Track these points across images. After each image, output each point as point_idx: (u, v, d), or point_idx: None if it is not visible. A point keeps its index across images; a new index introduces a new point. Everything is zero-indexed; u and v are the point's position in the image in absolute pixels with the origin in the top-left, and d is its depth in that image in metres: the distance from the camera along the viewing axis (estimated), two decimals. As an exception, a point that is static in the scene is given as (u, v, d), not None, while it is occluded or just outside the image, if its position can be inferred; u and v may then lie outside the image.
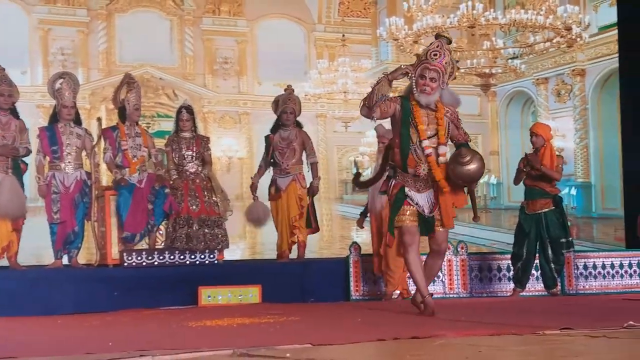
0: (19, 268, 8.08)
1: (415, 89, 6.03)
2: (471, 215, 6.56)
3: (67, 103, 8.17)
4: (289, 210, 8.97)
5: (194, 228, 8.37)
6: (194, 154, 8.62)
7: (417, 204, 6.11)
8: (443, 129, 6.03)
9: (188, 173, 8.54)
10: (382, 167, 6.59)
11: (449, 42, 6.35)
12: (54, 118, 8.25)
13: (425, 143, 5.96)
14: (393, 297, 8.28)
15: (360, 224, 8.86)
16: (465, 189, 6.36)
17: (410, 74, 6.04)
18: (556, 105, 12.30)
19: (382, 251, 8.44)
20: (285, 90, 9.25)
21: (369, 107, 5.95)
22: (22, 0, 10.36)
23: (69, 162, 8.17)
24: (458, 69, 6.61)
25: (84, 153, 8.39)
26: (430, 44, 6.27)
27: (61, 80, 8.23)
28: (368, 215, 8.66)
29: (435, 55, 5.99)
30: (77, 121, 8.35)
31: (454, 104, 6.26)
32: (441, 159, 6.00)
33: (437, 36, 6.43)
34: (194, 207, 8.40)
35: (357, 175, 7.18)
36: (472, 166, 5.89)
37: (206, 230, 8.42)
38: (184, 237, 8.30)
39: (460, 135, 6.26)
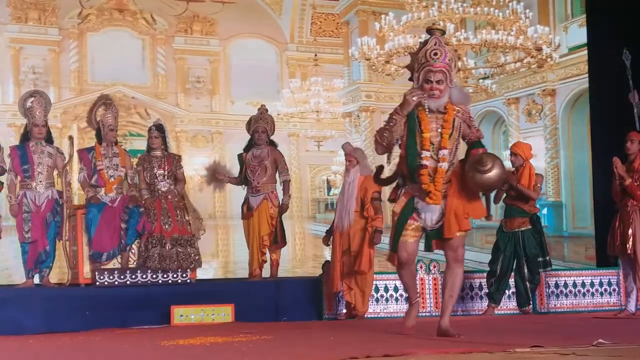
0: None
1: (407, 103, 5.70)
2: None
3: (38, 122, 8.16)
4: (260, 229, 8.96)
5: (167, 247, 8.34)
6: (166, 173, 8.60)
7: (423, 218, 5.78)
8: (447, 131, 5.69)
9: (160, 192, 8.52)
10: (393, 177, 6.20)
11: (443, 33, 6.02)
12: (25, 137, 8.24)
13: (424, 154, 5.65)
14: (351, 318, 8.33)
15: (325, 242, 8.84)
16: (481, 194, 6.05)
17: (418, 96, 5.66)
18: (527, 124, 12.37)
19: (356, 268, 8.46)
20: (258, 109, 9.31)
21: (387, 147, 5.75)
22: (-7, 19, 10.26)
23: (40, 181, 8.16)
24: (459, 57, 6.28)
25: (55, 172, 8.37)
26: (425, 42, 5.81)
27: (32, 99, 8.23)
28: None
29: (435, 54, 5.63)
30: (49, 140, 8.34)
31: (463, 101, 5.92)
32: (441, 164, 5.65)
33: (429, 31, 5.96)
34: (167, 226, 8.38)
35: (380, 169, 6.52)
36: (493, 174, 5.53)
37: (179, 250, 8.40)
38: (157, 256, 8.26)
39: (473, 133, 5.93)
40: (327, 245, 8.86)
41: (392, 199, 6.00)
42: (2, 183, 8.16)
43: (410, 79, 5.93)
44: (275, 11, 11.77)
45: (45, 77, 10.55)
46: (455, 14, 12.11)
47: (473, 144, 5.87)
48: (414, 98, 5.55)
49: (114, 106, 8.58)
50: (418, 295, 6.25)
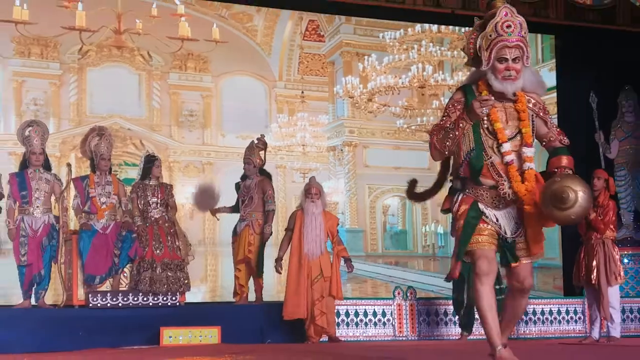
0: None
1: (493, 77, 4.33)
2: (420, 262, 6.31)
3: (36, 150, 8.18)
4: (242, 252, 8.98)
5: (157, 271, 8.32)
6: (159, 201, 8.61)
7: (496, 222, 4.47)
8: (527, 124, 4.35)
9: (153, 218, 8.52)
10: (441, 178, 5.06)
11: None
12: (24, 164, 8.27)
13: (506, 147, 4.30)
14: (320, 341, 8.32)
15: (278, 268, 8.86)
16: None
17: (489, 107, 4.31)
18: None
19: (333, 293, 8.48)
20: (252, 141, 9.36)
21: (440, 152, 4.45)
22: (-2, 54, 10.26)
23: (38, 206, 8.16)
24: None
25: (53, 197, 8.36)
26: (492, 14, 4.38)
27: (30, 128, 8.26)
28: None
29: (509, 27, 4.28)
30: (47, 167, 8.36)
31: (538, 88, 4.53)
32: (527, 164, 4.29)
33: (490, 4, 4.56)
34: (158, 251, 8.36)
35: (413, 183, 5.48)
36: (576, 209, 4.14)
37: (169, 274, 8.38)
38: (148, 279, 8.25)
39: (553, 133, 4.50)
40: (280, 272, 8.91)
41: (447, 209, 4.77)
42: (1, 208, 8.13)
43: (469, 65, 4.67)
44: (265, 51, 11.79)
45: (45, 108, 10.52)
46: (433, 56, 12.21)
47: (556, 151, 4.50)
48: (484, 110, 4.27)
49: (107, 136, 8.58)
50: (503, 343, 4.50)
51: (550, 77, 12.15)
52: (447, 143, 4.33)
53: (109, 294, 8.27)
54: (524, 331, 9.55)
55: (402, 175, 12.13)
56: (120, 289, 8.42)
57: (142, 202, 8.55)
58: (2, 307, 8.39)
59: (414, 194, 5.41)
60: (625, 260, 9.35)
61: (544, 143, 4.50)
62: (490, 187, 4.38)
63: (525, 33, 4.36)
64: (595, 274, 7.80)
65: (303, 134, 11.77)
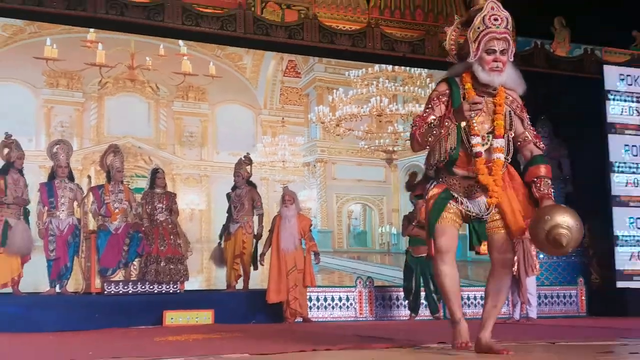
0: (20, 294, 7.97)
1: (480, 69, 3.71)
2: (377, 257, 6.20)
3: (61, 164, 8.26)
4: (234, 250, 9.08)
5: (162, 264, 8.35)
6: (164, 206, 8.68)
7: (467, 207, 3.82)
8: (501, 117, 3.75)
9: (158, 221, 8.56)
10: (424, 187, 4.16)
11: None
12: (52, 176, 8.37)
13: (476, 140, 3.72)
14: (295, 321, 8.33)
15: (261, 261, 8.94)
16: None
17: (478, 112, 3.68)
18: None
19: (307, 283, 8.54)
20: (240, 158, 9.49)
21: (421, 145, 3.78)
22: (31, 85, 10.28)
23: (63, 210, 8.24)
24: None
25: (75, 203, 8.42)
26: (478, 9, 3.79)
27: (57, 146, 8.39)
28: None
29: (496, 20, 3.70)
30: (71, 178, 8.46)
31: (517, 86, 3.87)
32: (497, 155, 3.73)
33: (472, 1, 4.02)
34: (162, 247, 8.40)
35: (413, 175, 4.70)
36: (571, 246, 3.52)
37: (171, 266, 8.41)
38: (154, 271, 8.29)
39: (529, 135, 3.85)
40: (263, 265, 8.97)
41: (419, 194, 4.25)
42: (29, 211, 8.15)
43: (450, 60, 4.01)
44: (252, 84, 11.82)
45: (70, 130, 10.51)
46: (389, 91, 12.30)
47: (534, 159, 3.83)
48: (472, 114, 3.62)
49: (120, 153, 8.68)
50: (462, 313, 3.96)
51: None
52: (429, 139, 3.68)
53: (121, 283, 8.30)
54: (463, 311, 9.58)
55: (363, 187, 12.26)
56: (130, 279, 8.42)
57: (150, 207, 8.60)
58: (32, 293, 8.30)
59: (411, 185, 4.81)
60: (541, 256, 9.39)
61: (518, 143, 3.85)
62: (463, 177, 3.78)
63: (510, 28, 3.78)
64: (516, 266, 7.84)
65: (283, 152, 11.83)
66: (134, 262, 8.48)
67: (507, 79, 3.78)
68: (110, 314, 7.73)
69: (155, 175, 8.79)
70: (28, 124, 10.28)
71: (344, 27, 11.68)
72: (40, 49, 10.41)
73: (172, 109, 11.21)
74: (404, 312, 9.39)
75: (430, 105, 3.80)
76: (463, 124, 3.69)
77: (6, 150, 8.04)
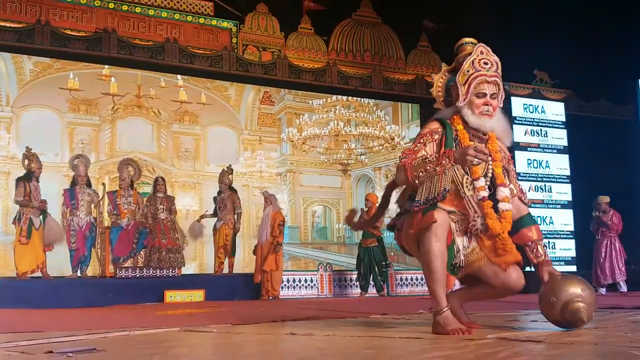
0: (48, 277, 7.94)
1: (470, 112, 2.90)
2: (335, 247, 6.18)
3: (81, 174, 8.25)
4: (218, 242, 9.13)
5: (163, 254, 8.36)
6: (165, 207, 8.67)
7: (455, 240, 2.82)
8: (499, 164, 2.91)
9: (160, 219, 8.55)
10: (381, 209, 3.39)
11: (474, 45, 3.03)
12: (73, 183, 8.30)
13: (481, 183, 2.84)
14: (269, 299, 8.36)
15: (255, 251, 8.90)
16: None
17: (483, 160, 2.75)
18: (385, 183, 12.58)
19: (266, 269, 8.54)
20: (223, 169, 9.56)
21: (407, 178, 2.76)
22: (57, 110, 10.25)
23: (82, 210, 8.22)
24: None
25: (92, 205, 8.41)
26: (463, 54, 3.00)
27: (77, 160, 8.40)
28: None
29: (486, 64, 2.90)
30: (88, 185, 8.42)
31: (505, 137, 3.00)
32: (503, 204, 2.84)
33: (460, 47, 3.07)
34: (164, 240, 8.40)
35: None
36: (588, 317, 2.64)
37: (170, 255, 8.41)
38: (156, 259, 8.29)
39: (515, 186, 3.01)
40: (254, 254, 8.95)
41: (392, 226, 3.06)
42: (47, 212, 8.03)
43: (438, 107, 3.15)
44: (235, 110, 11.86)
45: (89, 146, 10.45)
46: (344, 116, 12.40)
47: (524, 222, 2.95)
48: (475, 162, 2.70)
49: (134, 165, 8.75)
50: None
51: (416, 130, 12.48)
52: (420, 174, 2.73)
53: (130, 269, 8.29)
54: (399, 291, 9.69)
55: (324, 192, 12.34)
56: (138, 265, 8.41)
57: (153, 208, 8.59)
58: (58, 277, 8.25)
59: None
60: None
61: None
62: (448, 211, 2.81)
63: (500, 72, 2.97)
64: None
65: (260, 164, 11.89)
66: (141, 252, 8.51)
67: (498, 124, 2.95)
68: (121, 293, 7.72)
69: (157, 182, 8.82)
70: (55, 141, 10.22)
71: (308, 65, 11.79)
72: (65, 81, 10.37)
73: (171, 130, 11.20)
74: (356, 291, 9.47)
75: (421, 141, 2.92)
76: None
77: (27, 162, 7.95)
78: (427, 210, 2.73)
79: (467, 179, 2.84)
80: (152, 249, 8.35)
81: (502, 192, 2.86)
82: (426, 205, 2.76)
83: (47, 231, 7.83)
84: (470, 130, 2.91)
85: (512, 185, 2.96)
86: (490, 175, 2.89)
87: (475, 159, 2.67)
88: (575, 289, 2.64)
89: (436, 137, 2.90)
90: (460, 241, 2.84)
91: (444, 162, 2.72)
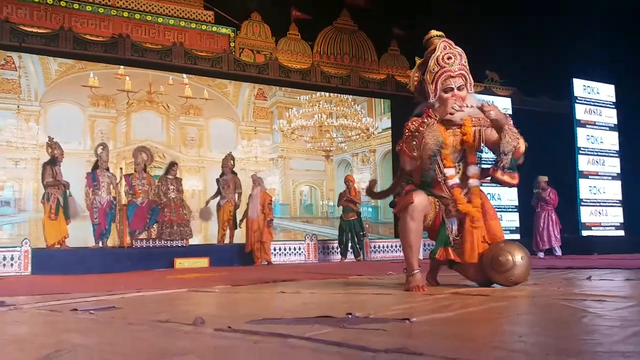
0: (67, 249, 7.85)
1: (442, 107, 2.77)
2: (319, 221, 6.15)
3: (104, 159, 8.17)
4: (223, 217, 9.09)
5: (174, 228, 8.34)
6: (174, 187, 8.63)
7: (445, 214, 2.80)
8: (471, 144, 2.79)
9: (171, 197, 8.53)
10: (397, 182, 3.24)
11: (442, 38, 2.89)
12: (95, 167, 8.22)
13: (449, 172, 2.78)
14: (263, 264, 8.41)
15: (239, 225, 8.95)
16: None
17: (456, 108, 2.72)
18: (362, 167, 12.59)
19: (264, 240, 8.57)
20: (226, 155, 9.52)
21: (407, 154, 2.74)
22: (80, 104, 10.12)
23: (103, 190, 8.14)
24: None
25: (111, 186, 8.35)
26: (430, 49, 2.84)
27: (100, 147, 8.26)
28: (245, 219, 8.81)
29: (449, 58, 2.76)
30: (107, 169, 8.32)
31: (477, 113, 2.73)
32: (472, 181, 2.79)
33: (428, 40, 2.89)
34: (174, 216, 8.37)
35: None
36: (516, 272, 2.58)
37: (180, 228, 8.40)
38: (168, 232, 8.25)
39: (512, 127, 2.66)
40: (239, 227, 9.00)
41: (394, 204, 2.93)
42: (70, 192, 7.97)
43: (417, 101, 2.94)
44: (234, 104, 11.77)
45: (107, 136, 10.34)
46: (326, 110, 12.37)
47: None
48: (456, 107, 2.69)
49: (146, 152, 8.66)
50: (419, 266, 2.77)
51: (388, 122, 12.51)
52: (414, 143, 2.69)
53: (144, 240, 8.24)
54: (373, 256, 9.79)
55: (310, 174, 12.33)
56: (151, 237, 8.38)
57: (165, 188, 8.54)
58: (83, 248, 8.21)
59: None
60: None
61: (498, 150, 2.68)
62: (440, 196, 2.80)
63: (465, 62, 2.81)
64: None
65: (256, 151, 11.87)
66: (154, 226, 8.47)
67: (470, 111, 2.77)
68: (137, 260, 7.70)
69: (172, 166, 8.80)
70: (78, 132, 10.08)
71: (296, 66, 11.72)
72: (86, 79, 10.21)
73: (178, 121, 11.11)
74: (337, 257, 9.56)
75: (409, 132, 2.80)
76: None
77: (50, 149, 7.90)
78: (409, 193, 2.73)
79: (444, 169, 2.78)
80: (164, 223, 8.33)
81: (471, 169, 2.80)
82: (412, 189, 2.75)
83: (72, 207, 7.82)
84: (443, 121, 2.79)
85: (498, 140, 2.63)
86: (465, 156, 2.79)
87: (456, 105, 2.64)
88: (521, 252, 2.61)
89: (422, 129, 2.78)
90: (450, 222, 2.78)
91: (426, 120, 2.69)
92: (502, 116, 2.57)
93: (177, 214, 8.43)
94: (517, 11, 11.30)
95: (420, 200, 2.68)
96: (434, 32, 2.91)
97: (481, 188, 2.87)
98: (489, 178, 2.78)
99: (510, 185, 2.71)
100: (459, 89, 2.75)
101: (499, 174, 2.64)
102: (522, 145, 2.66)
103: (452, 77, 2.74)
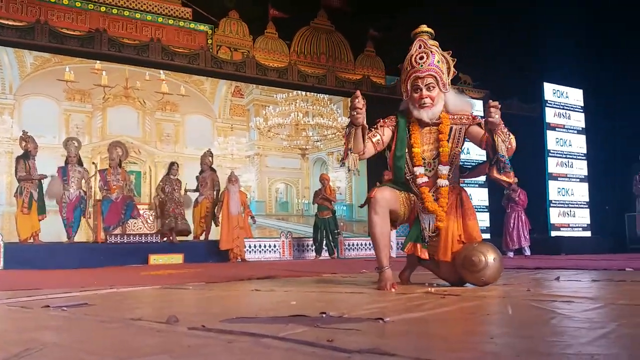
0: (40, 243, 7.71)
1: (412, 107, 2.77)
2: (294, 219, 6.20)
3: (72, 154, 8.07)
4: (200, 213, 9.02)
5: (178, 223, 8.57)
6: (178, 188, 8.77)
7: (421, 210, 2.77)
8: (445, 144, 2.74)
9: (176, 197, 8.63)
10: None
11: (432, 36, 2.87)
12: (66, 162, 8.06)
13: (419, 170, 2.76)
14: (237, 261, 8.39)
15: (216, 222, 8.90)
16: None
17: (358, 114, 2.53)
18: (337, 165, 12.65)
19: (248, 236, 8.60)
20: (204, 152, 9.49)
21: (362, 155, 2.70)
22: (55, 99, 9.90)
23: (72, 186, 7.98)
24: (454, 60, 2.84)
25: (83, 181, 8.19)
26: (410, 47, 2.80)
27: (69, 142, 8.26)
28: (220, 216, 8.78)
29: (421, 58, 2.72)
30: (80, 164, 8.19)
31: (464, 108, 2.82)
32: (441, 182, 2.74)
33: (415, 35, 2.86)
34: (178, 215, 8.66)
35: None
36: (488, 272, 2.56)
37: (183, 221, 8.66)
38: (172, 226, 8.39)
39: (504, 128, 2.58)
40: (217, 225, 8.91)
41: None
42: (43, 186, 7.88)
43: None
44: (210, 100, 11.67)
45: (83, 130, 10.15)
46: (303, 108, 12.37)
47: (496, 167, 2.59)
48: (354, 113, 2.54)
49: (121, 147, 8.52)
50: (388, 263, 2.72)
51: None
52: (349, 144, 2.64)
53: (119, 235, 8.11)
54: (347, 254, 9.83)
55: (286, 172, 12.33)
56: (126, 233, 8.24)
57: (169, 187, 8.57)
58: (55, 243, 8.05)
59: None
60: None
61: (484, 147, 2.67)
62: (414, 193, 2.80)
63: (438, 62, 2.73)
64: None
65: (232, 148, 11.79)
66: (128, 222, 8.34)
67: (449, 106, 2.77)
68: (111, 256, 7.58)
69: (172, 167, 8.78)
70: (53, 126, 9.88)
71: (273, 65, 11.70)
72: (62, 73, 10.01)
73: (154, 117, 10.97)
74: (311, 254, 9.57)
75: (376, 127, 2.83)
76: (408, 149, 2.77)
77: (24, 143, 7.76)
78: (373, 188, 2.77)
79: (413, 167, 2.78)
80: (169, 220, 8.32)
81: (441, 169, 2.75)
82: (380, 185, 2.78)
83: (56, 186, 7.73)
84: (419, 119, 2.79)
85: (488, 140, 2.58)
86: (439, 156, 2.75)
87: (354, 113, 2.52)
88: (493, 253, 2.60)
89: (388, 123, 2.84)
90: (428, 219, 2.74)
91: (348, 127, 2.64)
92: (499, 120, 2.50)
93: (180, 211, 8.50)
94: (491, 15, 11.45)
95: (382, 195, 2.69)
96: (423, 28, 2.89)
97: (462, 187, 2.86)
98: (485, 177, 2.77)
99: (507, 184, 2.68)
100: (428, 89, 2.73)
101: (495, 174, 2.60)
102: (513, 143, 2.64)
103: (420, 77, 2.72)
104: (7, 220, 8.96)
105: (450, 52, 2.89)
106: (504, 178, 2.60)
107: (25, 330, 1.52)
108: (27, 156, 7.68)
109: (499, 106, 2.50)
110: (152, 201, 8.65)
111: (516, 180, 9.48)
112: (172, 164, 8.83)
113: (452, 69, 2.83)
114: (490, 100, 2.53)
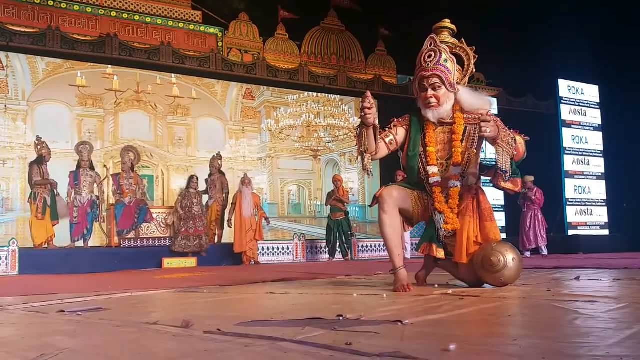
0: (55, 248, 7.77)
1: (421, 106, 2.72)
2: (307, 220, 6.21)
3: (84, 158, 8.10)
4: (211, 217, 9.03)
5: (190, 240, 8.32)
6: (197, 202, 8.52)
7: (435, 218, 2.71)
8: (458, 144, 2.66)
9: (195, 211, 8.39)
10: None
11: (453, 33, 2.86)
12: (78, 166, 8.12)
13: (432, 170, 2.70)
14: (251, 264, 8.37)
15: (229, 224, 8.83)
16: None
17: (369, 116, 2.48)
18: (349, 167, 12.60)
19: (257, 238, 8.59)
20: (213, 155, 9.48)
21: (374, 154, 2.62)
22: (67, 104, 9.99)
23: (84, 190, 8.02)
24: (475, 57, 2.80)
25: (95, 185, 8.25)
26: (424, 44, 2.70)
27: (81, 146, 8.22)
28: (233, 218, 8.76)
29: (429, 57, 2.64)
30: (92, 168, 8.23)
31: (481, 106, 2.70)
32: (452, 182, 2.68)
33: (436, 30, 2.84)
34: (192, 229, 8.41)
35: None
36: (507, 273, 2.50)
37: (199, 241, 8.42)
38: (184, 244, 8.23)
39: (505, 136, 2.48)
40: (230, 227, 8.83)
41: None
42: (57, 192, 7.92)
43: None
44: (222, 103, 11.71)
45: (95, 135, 10.23)
46: (314, 110, 12.37)
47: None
48: (364, 114, 2.48)
49: (134, 152, 8.56)
50: (404, 263, 2.67)
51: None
52: (360, 146, 2.60)
53: (132, 239, 8.14)
54: (361, 256, 9.79)
55: (298, 174, 12.33)
56: (139, 237, 8.27)
57: (188, 202, 8.34)
58: (70, 247, 8.08)
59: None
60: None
61: (497, 149, 2.51)
62: (433, 204, 2.72)
63: (445, 60, 2.63)
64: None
65: (244, 151, 11.82)
66: (142, 226, 8.37)
67: (464, 104, 2.68)
68: (125, 260, 7.64)
69: (192, 180, 8.58)
70: (65, 131, 9.98)
71: (284, 66, 11.71)
72: (74, 79, 10.11)
73: (166, 121, 11.03)
74: (325, 257, 9.55)
75: (389, 126, 2.81)
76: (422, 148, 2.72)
77: (38, 148, 7.84)
78: (382, 187, 2.74)
79: (426, 166, 2.73)
80: (182, 237, 8.17)
81: (452, 170, 2.70)
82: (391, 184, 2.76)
83: (60, 207, 7.73)
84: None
85: (502, 141, 2.48)
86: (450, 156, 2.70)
87: (364, 113, 2.47)
88: (512, 253, 2.54)
89: (402, 122, 2.80)
90: (440, 218, 2.68)
91: (359, 128, 2.61)
92: (495, 132, 2.42)
93: (195, 228, 8.24)
94: (504, 13, 11.36)
95: (389, 193, 2.65)
96: (445, 23, 2.83)
97: (481, 188, 2.80)
98: (491, 180, 2.73)
99: (513, 192, 2.68)
100: (433, 88, 2.66)
101: (501, 183, 2.61)
102: (521, 148, 2.61)
103: (426, 77, 2.66)
104: (22, 225, 9.06)
105: (474, 48, 2.82)
106: (509, 187, 2.60)
107: (41, 335, 1.52)
108: (41, 161, 7.78)
109: (490, 121, 2.41)
110: (167, 217, 8.43)
111: (532, 178, 9.39)
112: (191, 177, 8.62)
113: (472, 66, 2.79)
114: (482, 115, 2.50)
